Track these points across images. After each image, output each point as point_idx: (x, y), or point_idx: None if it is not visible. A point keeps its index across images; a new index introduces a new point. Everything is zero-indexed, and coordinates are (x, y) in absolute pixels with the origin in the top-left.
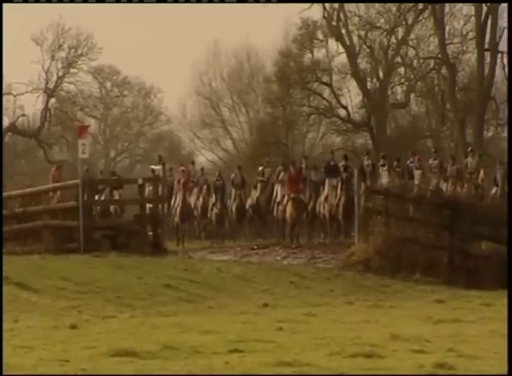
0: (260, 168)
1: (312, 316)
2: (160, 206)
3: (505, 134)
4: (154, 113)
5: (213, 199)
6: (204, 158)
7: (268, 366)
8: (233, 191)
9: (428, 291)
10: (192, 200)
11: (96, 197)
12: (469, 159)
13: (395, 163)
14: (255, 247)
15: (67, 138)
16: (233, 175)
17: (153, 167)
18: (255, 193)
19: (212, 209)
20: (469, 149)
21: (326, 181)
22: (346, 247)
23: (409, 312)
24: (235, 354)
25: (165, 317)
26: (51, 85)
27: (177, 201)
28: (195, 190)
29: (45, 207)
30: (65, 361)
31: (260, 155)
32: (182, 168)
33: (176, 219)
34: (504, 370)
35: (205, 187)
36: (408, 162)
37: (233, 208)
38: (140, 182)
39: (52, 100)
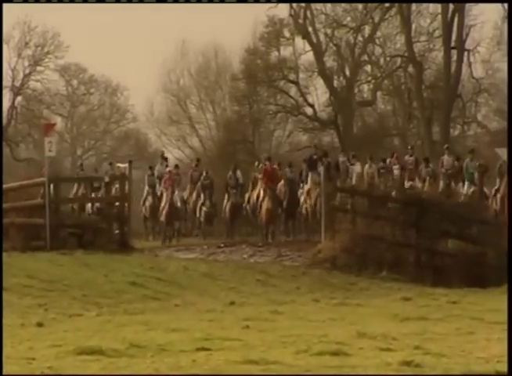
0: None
1: (279, 314)
2: (126, 204)
3: (471, 132)
4: (121, 111)
5: (201, 198)
6: (171, 155)
7: (235, 364)
8: (225, 191)
9: (395, 289)
10: (184, 195)
11: (93, 194)
12: (445, 157)
13: (381, 164)
14: (222, 245)
15: (34, 136)
16: (228, 176)
17: (119, 165)
18: (252, 197)
19: (201, 208)
20: (445, 146)
21: (309, 174)
22: (312, 244)
23: (376, 310)
24: (201, 352)
25: (131, 315)
26: (17, 83)
27: (163, 202)
28: (188, 186)
29: (11, 204)
30: (31, 359)
31: (226, 153)
32: (169, 168)
33: (162, 219)
34: (468, 368)
35: (199, 183)
36: (388, 161)
37: (227, 207)
38: (107, 179)
39: (19, 98)
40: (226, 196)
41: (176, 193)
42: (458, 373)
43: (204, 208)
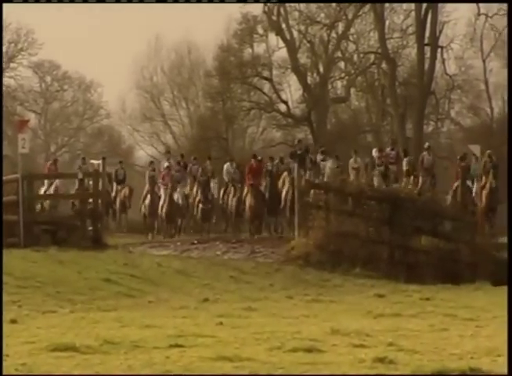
0: None
1: (252, 311)
2: (100, 201)
3: (445, 128)
4: (94, 107)
5: (198, 195)
6: (144, 152)
7: (209, 360)
8: (231, 186)
9: (368, 286)
10: (185, 191)
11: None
12: (425, 156)
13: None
14: (195, 241)
15: (7, 132)
16: (232, 170)
17: (92, 161)
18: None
19: (198, 205)
20: (426, 145)
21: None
22: (286, 241)
23: (349, 307)
24: (175, 349)
25: (105, 312)
26: None
27: (162, 200)
28: (188, 181)
29: None
30: (5, 356)
31: (200, 150)
32: (167, 163)
33: (163, 217)
34: (441, 365)
35: (199, 175)
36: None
37: (233, 202)
38: (80, 176)
39: None
40: (232, 190)
41: (178, 189)
42: (431, 369)
43: (201, 205)
